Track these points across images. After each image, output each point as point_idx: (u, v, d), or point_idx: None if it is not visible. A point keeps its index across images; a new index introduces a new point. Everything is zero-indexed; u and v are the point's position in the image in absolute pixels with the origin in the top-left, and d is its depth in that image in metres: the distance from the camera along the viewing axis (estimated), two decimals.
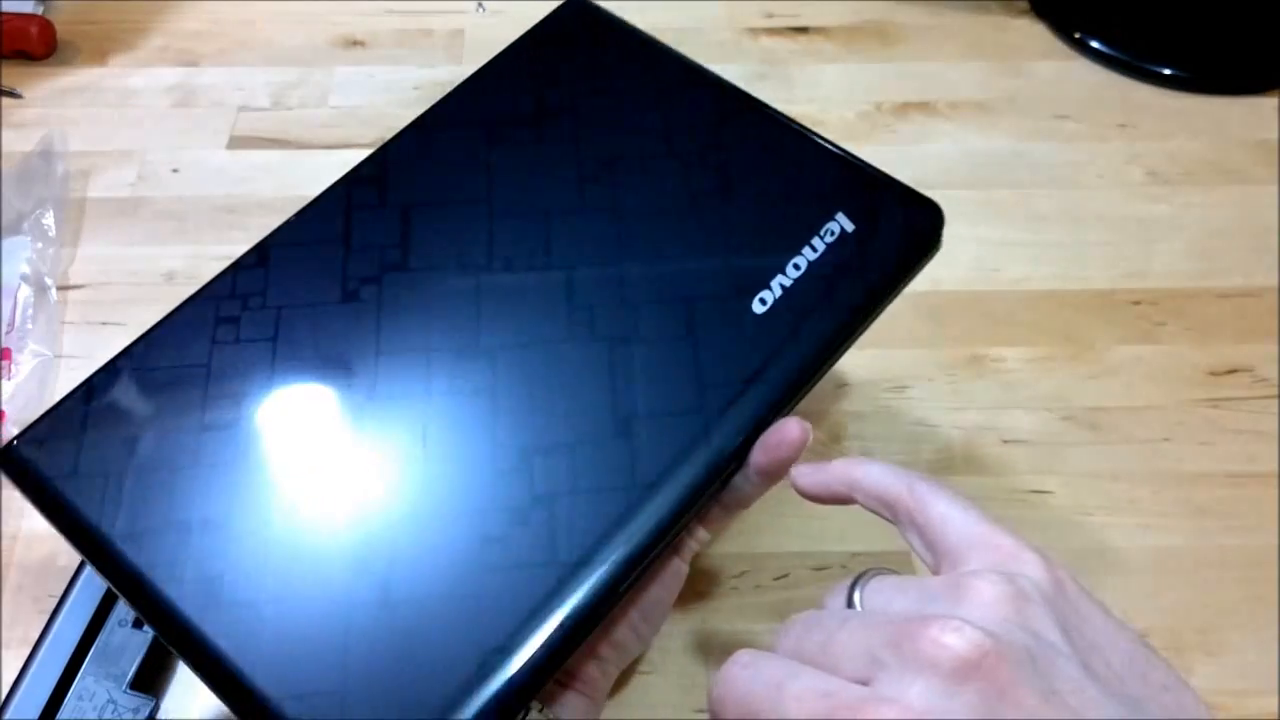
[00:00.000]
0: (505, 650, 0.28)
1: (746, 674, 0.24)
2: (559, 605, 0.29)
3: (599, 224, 0.35)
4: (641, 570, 0.30)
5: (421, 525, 0.30)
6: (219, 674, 0.28)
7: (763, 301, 0.33)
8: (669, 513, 0.30)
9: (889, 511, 0.28)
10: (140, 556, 0.30)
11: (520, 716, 0.31)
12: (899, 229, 0.35)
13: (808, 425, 0.31)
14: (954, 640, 0.21)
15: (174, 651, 0.29)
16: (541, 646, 0.28)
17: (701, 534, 0.35)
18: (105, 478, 0.31)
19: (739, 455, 0.32)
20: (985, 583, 0.24)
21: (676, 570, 0.34)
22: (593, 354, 0.33)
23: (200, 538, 0.30)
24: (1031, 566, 0.25)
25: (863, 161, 0.37)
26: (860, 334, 0.34)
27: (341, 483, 0.31)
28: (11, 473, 0.32)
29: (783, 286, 0.34)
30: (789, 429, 0.31)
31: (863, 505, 0.29)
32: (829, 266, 0.34)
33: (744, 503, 0.34)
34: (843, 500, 0.29)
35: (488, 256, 0.35)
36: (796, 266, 0.34)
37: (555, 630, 0.28)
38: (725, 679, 0.24)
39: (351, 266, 0.34)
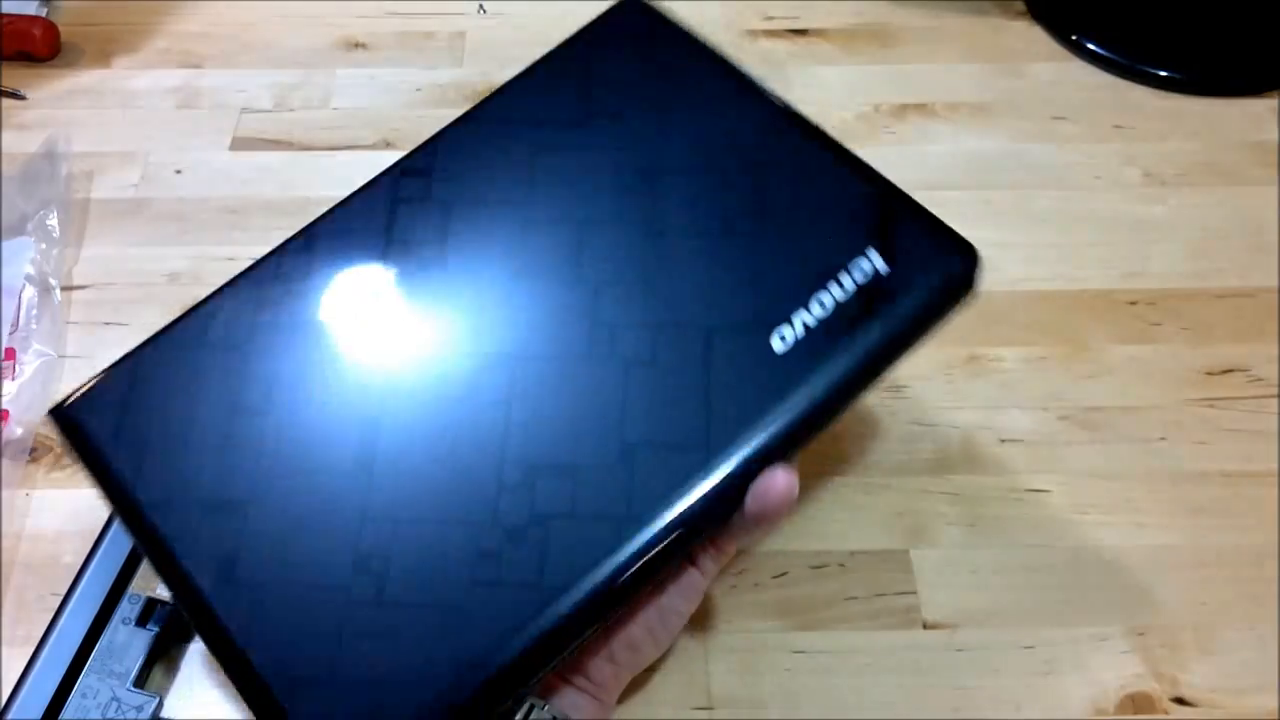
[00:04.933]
0: (489, 653, 0.29)
1: None
2: (540, 623, 0.29)
3: (629, 239, 0.35)
4: (623, 596, 0.30)
5: (423, 530, 0.31)
6: (224, 648, 0.30)
7: (783, 339, 0.32)
8: (654, 543, 0.30)
9: None
10: (167, 527, 0.32)
11: (520, 713, 0.32)
12: (934, 274, 0.33)
13: (794, 479, 0.31)
14: None
15: (187, 618, 0.31)
16: (521, 654, 0.29)
17: (726, 549, 0.35)
18: (146, 446, 0.33)
19: (737, 491, 0.31)
20: None
21: (693, 582, 0.35)
22: (608, 374, 0.33)
23: (224, 517, 0.31)
24: None
25: (905, 194, 0.35)
26: (879, 380, 0.33)
27: (358, 481, 0.32)
28: (63, 430, 0.34)
29: (805, 325, 0.32)
30: (776, 481, 0.30)
31: None
32: (855, 308, 0.33)
33: (745, 539, 0.34)
34: None
35: (518, 263, 0.35)
36: (821, 305, 0.33)
37: (536, 641, 0.29)
38: None
39: (391, 258, 0.35)
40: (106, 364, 0.35)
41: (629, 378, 0.32)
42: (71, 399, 0.34)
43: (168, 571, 0.31)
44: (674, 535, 0.30)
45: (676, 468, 0.31)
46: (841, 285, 0.33)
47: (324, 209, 0.37)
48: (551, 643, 0.29)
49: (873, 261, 0.33)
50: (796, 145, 0.36)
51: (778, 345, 0.32)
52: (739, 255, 0.34)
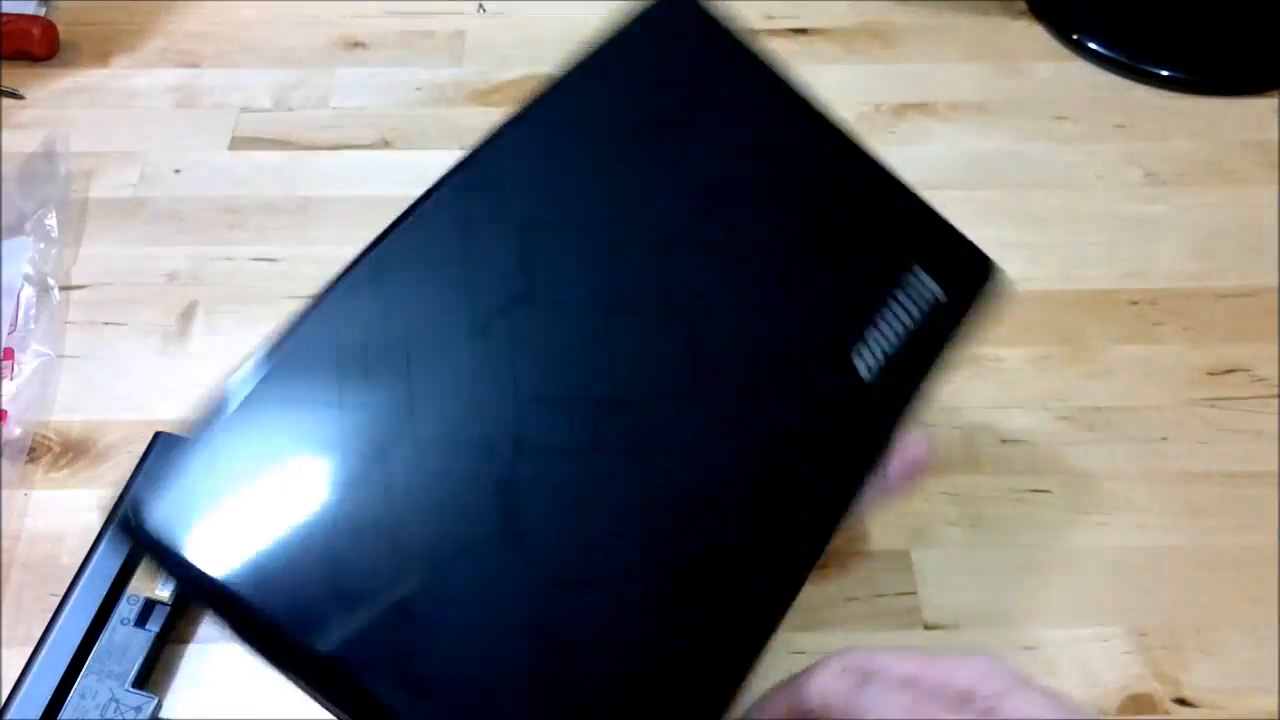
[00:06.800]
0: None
1: None
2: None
3: (701, 263, 0.34)
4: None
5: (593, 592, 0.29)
6: None
7: (859, 355, 0.34)
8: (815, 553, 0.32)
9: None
10: (307, 638, 0.26)
11: None
12: (970, 286, 0.36)
13: (926, 443, 0.34)
14: None
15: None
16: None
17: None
18: (243, 543, 0.27)
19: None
20: None
21: None
22: (731, 406, 0.32)
23: (371, 617, 0.27)
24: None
25: (932, 208, 0.37)
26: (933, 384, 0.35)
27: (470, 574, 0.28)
28: (143, 544, 0.27)
29: (874, 338, 0.34)
30: (916, 448, 0.34)
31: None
32: (911, 317, 0.34)
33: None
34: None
35: (602, 294, 0.32)
36: (884, 318, 0.34)
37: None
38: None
39: (479, 294, 0.31)
40: (176, 459, 0.27)
41: (747, 411, 0.32)
42: (142, 507, 0.27)
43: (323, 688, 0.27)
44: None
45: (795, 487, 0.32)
46: (897, 299, 0.35)
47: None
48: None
49: (919, 277, 0.35)
50: (836, 155, 0.37)
51: (862, 370, 0.34)
52: (810, 274, 0.34)
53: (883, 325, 0.34)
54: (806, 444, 0.33)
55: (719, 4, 0.37)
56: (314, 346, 0.29)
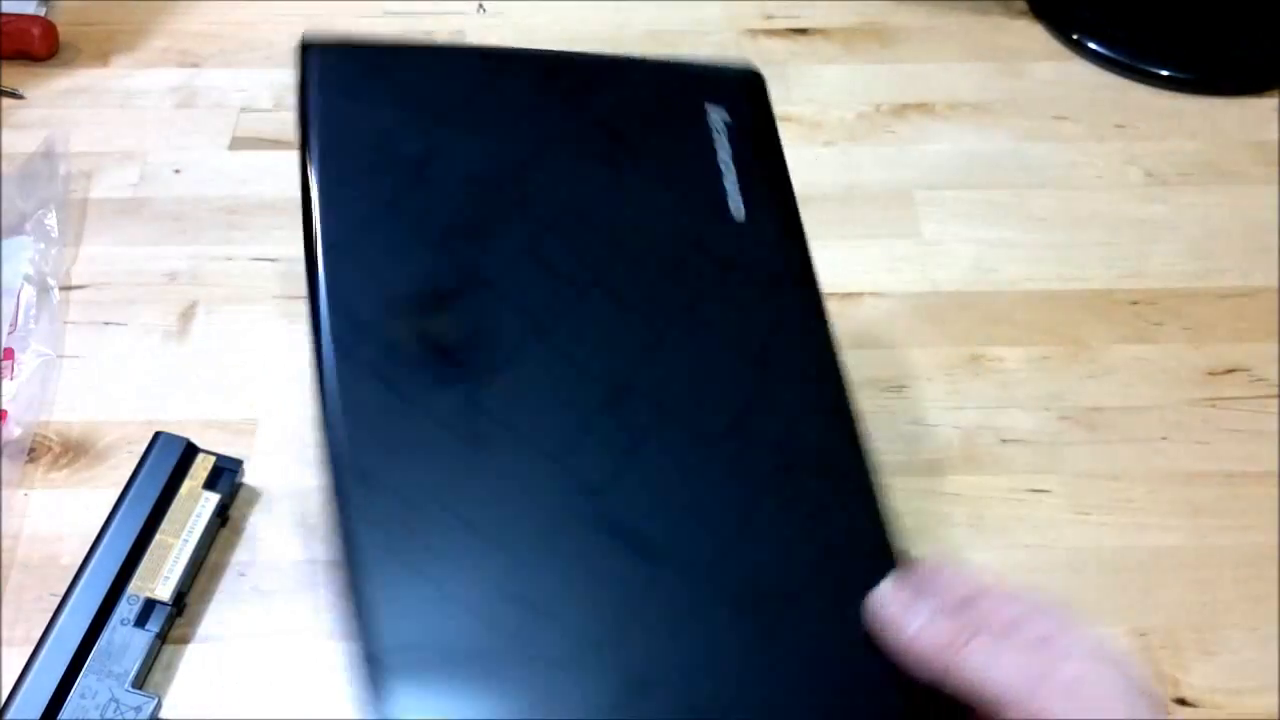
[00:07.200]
0: None
1: None
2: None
3: (587, 214, 0.34)
4: None
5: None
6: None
7: (734, 204, 0.36)
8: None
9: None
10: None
11: None
12: (748, 93, 0.38)
13: None
14: None
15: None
16: None
17: None
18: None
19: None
20: None
21: None
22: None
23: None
24: None
25: (676, 60, 0.40)
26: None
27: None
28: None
29: (733, 182, 0.36)
30: None
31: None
32: (739, 146, 0.37)
33: None
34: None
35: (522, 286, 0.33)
36: (725, 164, 0.36)
37: None
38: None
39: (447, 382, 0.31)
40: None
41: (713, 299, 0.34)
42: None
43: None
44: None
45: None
46: (717, 141, 0.36)
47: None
48: None
49: (714, 112, 0.37)
50: (577, 74, 0.38)
51: (736, 215, 0.36)
52: (660, 171, 0.36)
53: (723, 170, 0.36)
54: (764, 295, 0.35)
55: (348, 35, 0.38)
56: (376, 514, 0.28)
